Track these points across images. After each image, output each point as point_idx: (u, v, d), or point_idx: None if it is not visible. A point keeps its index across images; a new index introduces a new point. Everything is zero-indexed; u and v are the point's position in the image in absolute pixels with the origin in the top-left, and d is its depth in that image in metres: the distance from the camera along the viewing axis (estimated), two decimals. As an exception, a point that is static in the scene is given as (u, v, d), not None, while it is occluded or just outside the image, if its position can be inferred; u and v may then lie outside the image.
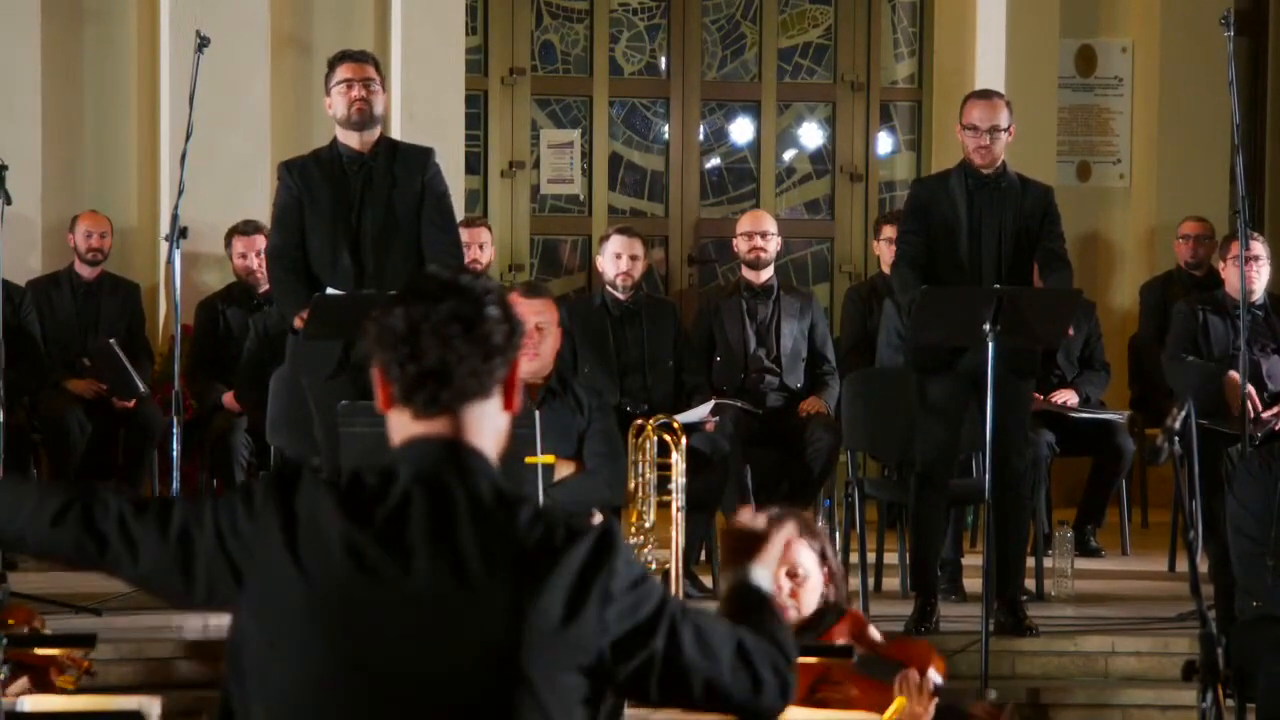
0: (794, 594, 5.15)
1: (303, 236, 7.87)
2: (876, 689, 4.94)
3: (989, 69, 11.73)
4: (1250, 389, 8.43)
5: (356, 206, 7.84)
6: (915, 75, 12.38)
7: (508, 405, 3.06)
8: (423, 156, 7.96)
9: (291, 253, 7.89)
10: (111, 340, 9.87)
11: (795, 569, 5.16)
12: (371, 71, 7.90)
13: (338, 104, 7.88)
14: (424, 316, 2.99)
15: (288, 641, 2.96)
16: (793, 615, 5.11)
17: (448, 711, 2.92)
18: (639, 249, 9.24)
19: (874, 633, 5.18)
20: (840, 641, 5.02)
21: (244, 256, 10.13)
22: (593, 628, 2.94)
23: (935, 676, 5.06)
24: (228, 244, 10.24)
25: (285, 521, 2.99)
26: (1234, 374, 8.51)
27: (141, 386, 9.82)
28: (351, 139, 7.88)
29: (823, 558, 5.20)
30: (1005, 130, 7.97)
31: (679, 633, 2.99)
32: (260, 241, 9.75)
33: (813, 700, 4.93)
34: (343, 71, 7.89)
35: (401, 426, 3.04)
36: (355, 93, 7.84)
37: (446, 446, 3.01)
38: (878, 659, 5.06)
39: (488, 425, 3.04)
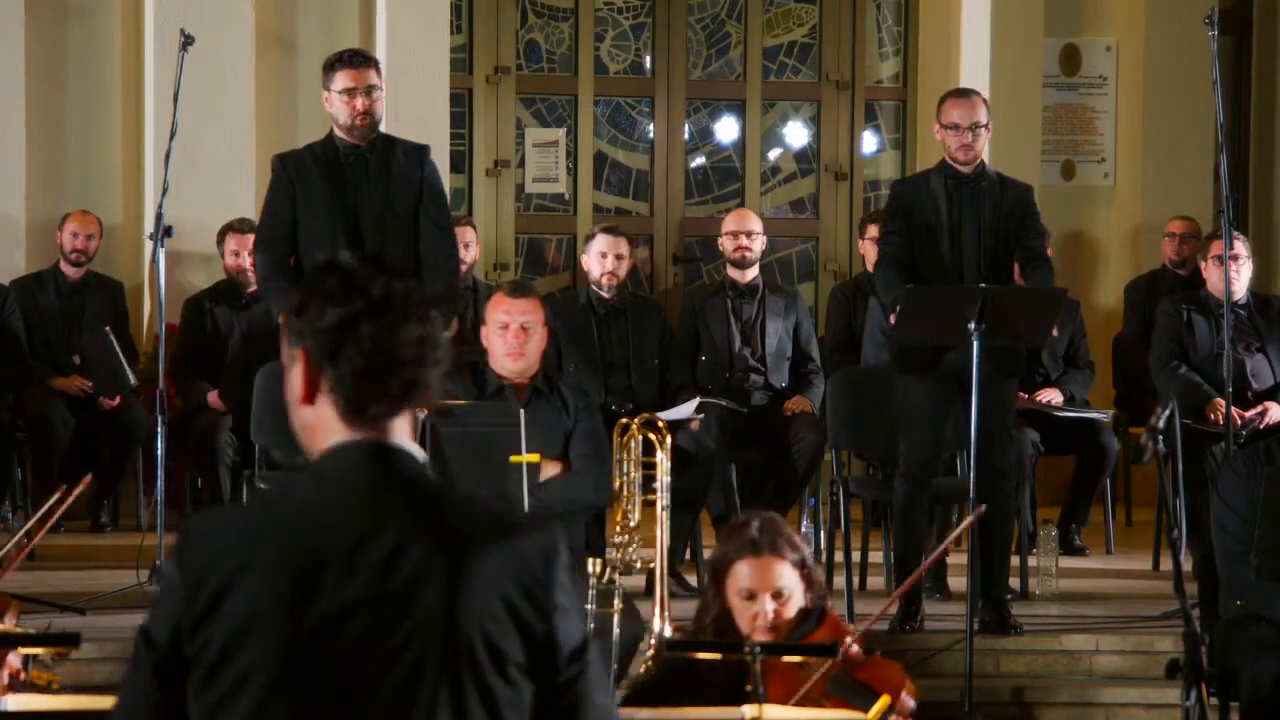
0: (778, 613, 5.12)
1: (293, 230, 7.86)
2: (851, 710, 4.93)
3: (973, 68, 11.74)
4: (1235, 411, 8.43)
5: (353, 194, 7.82)
6: (900, 74, 12.38)
7: None
8: (420, 153, 7.96)
9: (279, 246, 7.88)
10: (108, 329, 9.84)
11: (780, 591, 5.13)
12: (374, 78, 7.83)
13: (340, 111, 7.82)
14: (396, 339, 2.96)
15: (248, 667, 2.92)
16: (773, 635, 5.09)
17: (399, 704, 2.89)
18: (624, 248, 9.23)
19: (851, 645, 5.16)
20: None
21: (236, 254, 10.08)
22: (531, 626, 2.91)
23: (908, 701, 5.06)
24: (220, 241, 10.21)
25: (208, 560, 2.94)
26: (1219, 401, 8.52)
27: (132, 379, 9.81)
28: (349, 135, 7.87)
29: (802, 566, 5.17)
30: (985, 127, 7.98)
31: (593, 663, 2.97)
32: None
33: None
34: (344, 79, 7.79)
35: (324, 426, 3.01)
36: (359, 104, 7.77)
37: (375, 449, 2.99)
38: (854, 683, 5.05)
39: (406, 426, 3.05)
